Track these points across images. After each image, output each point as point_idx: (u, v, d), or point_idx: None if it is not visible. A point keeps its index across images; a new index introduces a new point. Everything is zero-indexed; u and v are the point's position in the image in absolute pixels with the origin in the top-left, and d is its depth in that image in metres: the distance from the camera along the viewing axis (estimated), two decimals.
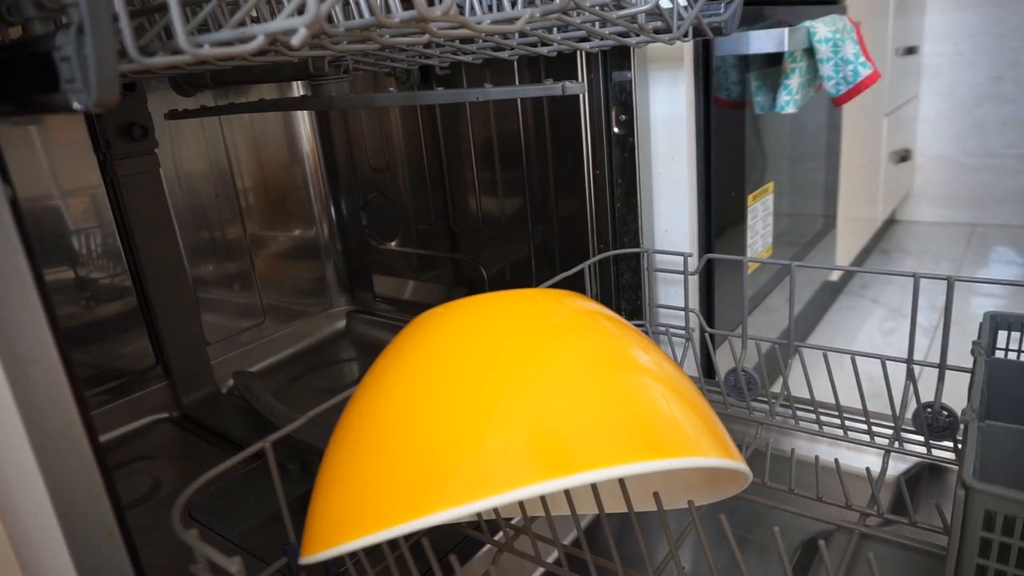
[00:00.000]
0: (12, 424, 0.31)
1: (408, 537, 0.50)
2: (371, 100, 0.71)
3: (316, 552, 0.32)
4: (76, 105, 0.25)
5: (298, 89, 1.04)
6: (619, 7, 0.47)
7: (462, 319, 0.38)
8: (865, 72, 0.84)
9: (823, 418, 0.63)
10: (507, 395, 0.32)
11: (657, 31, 0.52)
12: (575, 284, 0.66)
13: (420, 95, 0.67)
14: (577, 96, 0.74)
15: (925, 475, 0.61)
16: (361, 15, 0.40)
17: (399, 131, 1.00)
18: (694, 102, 0.75)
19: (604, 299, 0.80)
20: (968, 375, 0.48)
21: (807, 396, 0.64)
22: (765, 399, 0.67)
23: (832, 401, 0.62)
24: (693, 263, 0.77)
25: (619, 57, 0.71)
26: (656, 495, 0.40)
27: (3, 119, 0.72)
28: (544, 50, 0.57)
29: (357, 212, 1.11)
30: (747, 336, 0.66)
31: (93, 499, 0.34)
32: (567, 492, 0.45)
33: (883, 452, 0.59)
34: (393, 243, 1.08)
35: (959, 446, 0.57)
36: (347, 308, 1.16)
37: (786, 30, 0.78)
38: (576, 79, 0.73)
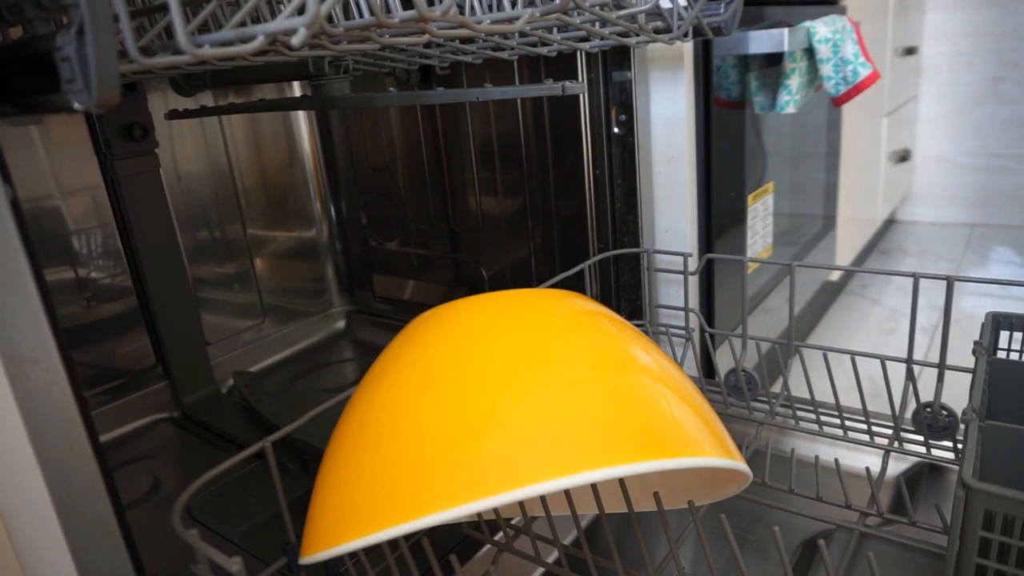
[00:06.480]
0: (12, 424, 0.31)
1: (408, 537, 0.50)
2: (371, 100, 0.71)
3: (316, 552, 0.32)
4: (76, 105, 0.25)
5: (298, 89, 1.04)
6: (619, 7, 0.47)
7: (462, 319, 0.38)
8: (865, 72, 0.84)
9: (823, 418, 0.63)
10: (507, 395, 0.32)
11: (657, 31, 0.52)
12: (575, 284, 0.66)
13: (420, 95, 0.67)
14: (577, 96, 0.74)
15: (925, 475, 0.61)
16: (361, 15, 0.40)
17: (399, 131, 1.00)
18: (694, 102, 0.75)
19: (604, 299, 0.80)
20: (968, 375, 0.48)
21: (807, 396, 0.64)
22: (765, 399, 0.67)
23: (832, 401, 0.62)
24: (693, 263, 0.77)
25: (619, 57, 0.71)
26: (656, 495, 0.40)
27: (3, 119, 0.72)
28: (544, 50, 0.57)
29: (357, 212, 1.11)
30: (747, 336, 0.66)
31: (93, 499, 0.34)
32: (567, 492, 0.45)
33: (883, 452, 0.59)
34: (393, 243, 1.08)
35: (959, 446, 0.57)
36: (347, 308, 1.16)
37: (786, 30, 0.78)
38: (576, 79, 0.73)
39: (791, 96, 0.83)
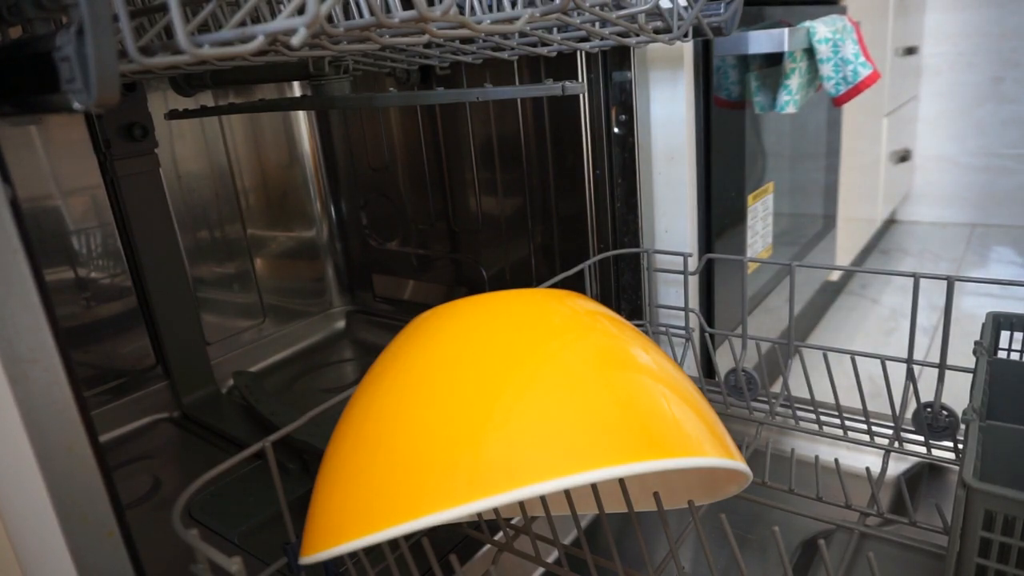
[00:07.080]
0: (12, 424, 0.31)
1: (408, 537, 0.50)
2: (371, 100, 0.71)
3: (316, 552, 0.32)
4: (76, 105, 0.25)
5: (298, 89, 1.04)
6: (619, 7, 0.47)
7: (462, 319, 0.38)
8: (865, 72, 0.84)
9: (823, 418, 0.63)
10: (507, 395, 0.32)
11: (657, 31, 0.52)
12: (575, 284, 0.66)
13: (420, 95, 0.67)
14: (577, 96, 0.74)
15: (925, 475, 0.61)
16: (361, 15, 0.40)
17: (399, 131, 1.00)
18: (694, 102, 0.75)
19: (604, 299, 0.80)
20: (968, 375, 0.48)
21: (807, 396, 0.64)
22: (765, 399, 0.67)
23: (832, 401, 0.62)
24: (693, 263, 0.77)
25: (619, 57, 0.71)
26: (656, 495, 0.40)
27: (3, 119, 0.72)
28: (544, 50, 0.57)
29: (357, 212, 1.11)
30: (747, 336, 0.66)
31: (93, 499, 0.34)
32: (567, 492, 0.45)
33: (883, 452, 0.59)
34: (393, 243, 1.08)
35: (959, 446, 0.57)
36: (347, 308, 1.16)
37: (786, 30, 0.78)
38: (576, 79, 0.73)
39: (791, 96, 0.83)
